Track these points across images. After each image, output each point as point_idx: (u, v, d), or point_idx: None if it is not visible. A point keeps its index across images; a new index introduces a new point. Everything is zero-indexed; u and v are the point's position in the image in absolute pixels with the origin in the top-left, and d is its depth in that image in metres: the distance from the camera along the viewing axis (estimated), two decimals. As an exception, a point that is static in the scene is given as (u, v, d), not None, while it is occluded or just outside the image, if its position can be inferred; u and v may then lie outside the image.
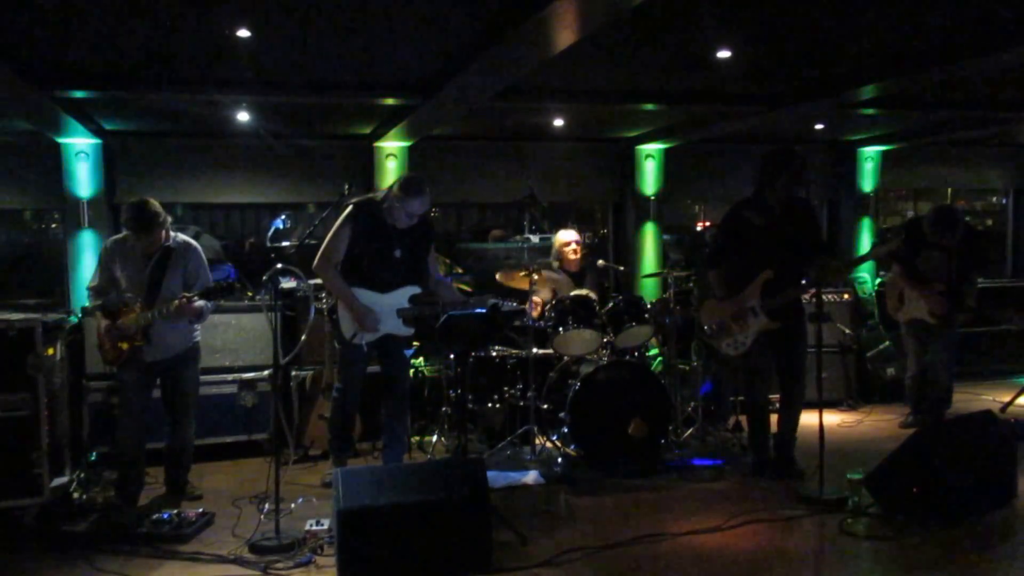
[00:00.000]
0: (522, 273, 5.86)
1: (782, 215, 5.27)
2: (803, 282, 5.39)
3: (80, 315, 5.96)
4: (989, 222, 11.76)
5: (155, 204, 4.84)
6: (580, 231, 6.71)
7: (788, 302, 5.26)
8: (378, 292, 5.03)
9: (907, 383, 6.83)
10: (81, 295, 6.76)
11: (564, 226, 6.71)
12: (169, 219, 4.99)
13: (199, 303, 4.82)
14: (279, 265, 4.65)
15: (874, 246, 5.84)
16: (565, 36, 4.18)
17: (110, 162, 7.06)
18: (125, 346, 4.87)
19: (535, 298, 5.96)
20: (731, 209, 5.48)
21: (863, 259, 6.42)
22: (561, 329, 5.73)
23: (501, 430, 6.04)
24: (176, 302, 4.71)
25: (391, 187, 4.98)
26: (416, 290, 5.12)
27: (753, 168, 5.39)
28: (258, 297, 6.37)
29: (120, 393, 5.06)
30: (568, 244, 6.44)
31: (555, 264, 6.48)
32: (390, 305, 5.05)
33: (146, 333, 4.84)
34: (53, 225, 9.26)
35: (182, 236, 5.10)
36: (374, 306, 5.02)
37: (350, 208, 5.00)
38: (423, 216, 5.07)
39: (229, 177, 7.48)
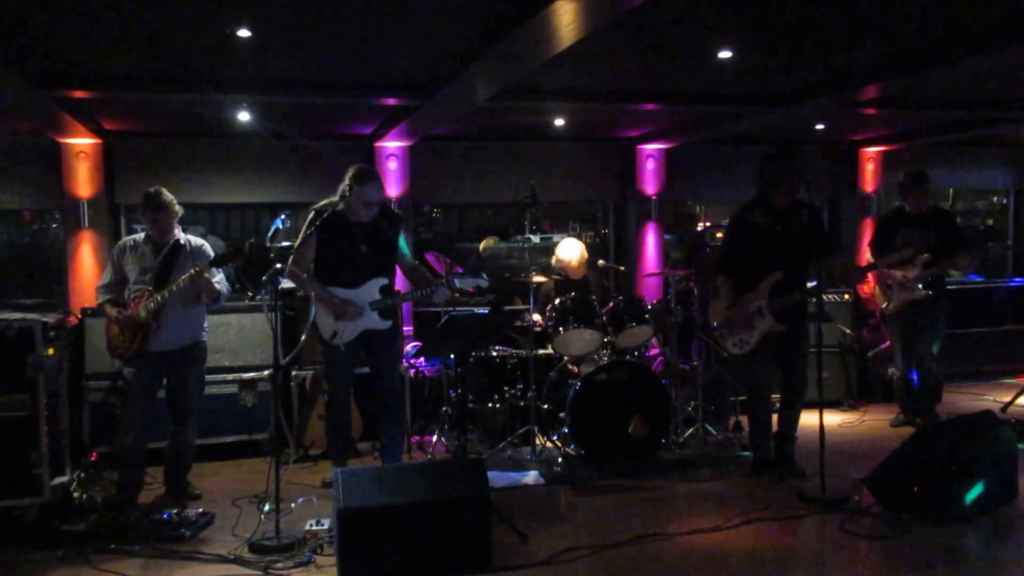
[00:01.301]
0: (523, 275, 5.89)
1: (787, 216, 5.26)
2: (810, 285, 5.40)
3: (80, 315, 5.97)
4: (990, 222, 11.75)
5: (169, 195, 5.05)
6: (580, 232, 6.71)
7: (794, 303, 5.27)
8: (349, 288, 5.07)
9: (895, 383, 6.84)
10: (81, 295, 6.76)
11: (566, 228, 6.71)
12: (180, 211, 5.10)
13: (216, 279, 4.96)
14: (279, 265, 4.66)
15: (881, 254, 5.95)
16: (566, 36, 4.17)
17: (110, 162, 7.06)
18: (132, 336, 4.92)
19: (536, 317, 5.99)
20: (735, 213, 5.49)
21: (874, 266, 6.43)
22: (561, 329, 5.72)
23: (501, 430, 6.05)
24: (190, 272, 4.81)
25: (344, 184, 5.01)
26: (385, 281, 5.16)
27: (754, 168, 5.38)
28: (258, 297, 6.38)
29: (125, 392, 5.08)
30: (574, 267, 6.43)
31: (554, 262, 6.50)
32: (362, 299, 5.08)
33: (157, 316, 4.90)
34: (54, 225, 9.25)
35: (194, 237, 5.22)
36: (350, 302, 5.06)
37: (311, 214, 5.08)
38: (388, 209, 5.19)
39: (229, 177, 7.47)
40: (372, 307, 5.09)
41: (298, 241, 5.12)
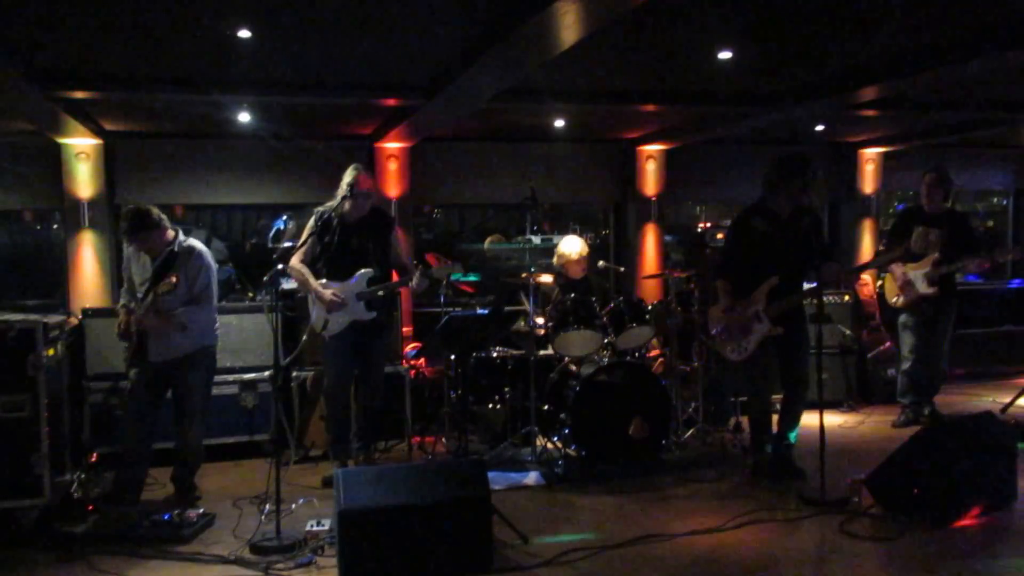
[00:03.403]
0: (524, 276, 5.90)
1: (788, 221, 5.26)
2: (805, 286, 5.41)
3: (81, 316, 5.97)
4: (990, 223, 11.74)
5: (145, 208, 4.95)
6: (581, 233, 6.71)
7: (792, 307, 5.27)
8: (339, 281, 5.31)
9: (900, 379, 6.84)
10: (81, 296, 6.77)
11: (566, 229, 6.72)
12: (165, 221, 5.02)
13: (177, 315, 4.91)
14: (280, 266, 4.66)
15: (878, 254, 5.93)
16: (567, 36, 4.18)
17: (110, 163, 7.06)
18: (130, 343, 5.01)
19: (538, 319, 6.01)
20: (737, 217, 5.49)
21: (867, 266, 6.45)
22: (562, 330, 5.72)
23: (502, 431, 6.05)
24: (142, 315, 4.86)
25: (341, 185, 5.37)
26: (373, 273, 5.36)
27: (754, 169, 5.38)
28: (259, 298, 6.38)
29: (127, 393, 5.13)
30: (573, 261, 6.42)
31: (556, 266, 6.52)
32: (351, 290, 5.29)
33: (140, 332, 4.93)
34: (54, 226, 9.25)
35: (190, 241, 5.12)
36: (339, 294, 5.27)
37: (314, 215, 5.43)
38: (382, 210, 5.62)
39: (230, 178, 7.47)
40: (358, 297, 5.28)
41: (301, 240, 5.41)
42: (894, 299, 6.69)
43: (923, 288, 6.45)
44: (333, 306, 5.26)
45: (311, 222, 5.41)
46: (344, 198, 5.27)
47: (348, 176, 5.32)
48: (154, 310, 4.85)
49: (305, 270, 5.34)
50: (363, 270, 5.32)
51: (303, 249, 5.35)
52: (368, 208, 5.41)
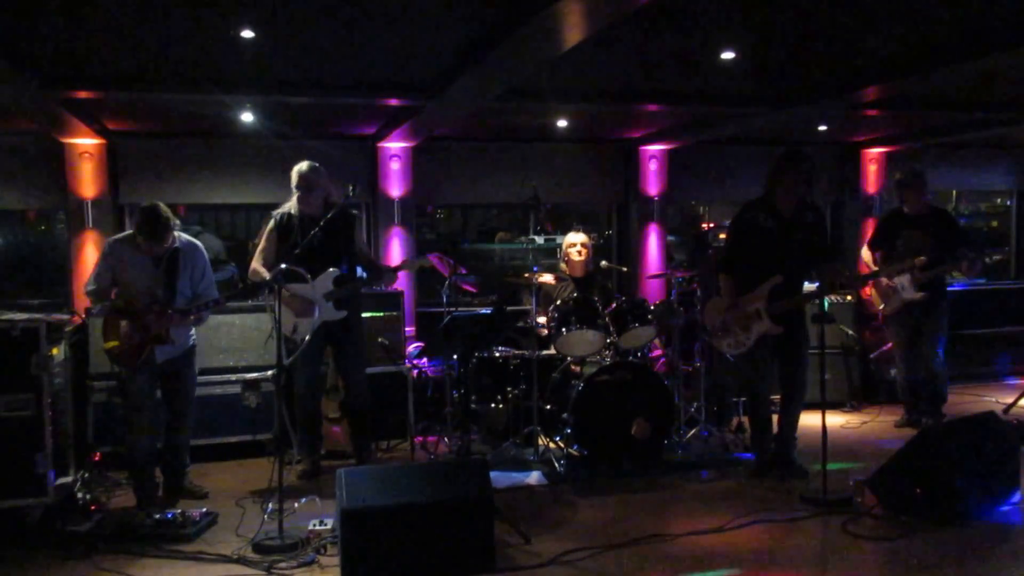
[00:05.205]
0: (527, 275, 5.91)
1: (791, 218, 5.26)
2: (808, 286, 5.40)
3: (85, 315, 5.98)
4: (994, 223, 11.73)
5: (166, 209, 4.91)
6: (585, 232, 6.74)
7: (794, 308, 5.28)
8: (305, 282, 5.21)
9: (899, 384, 6.83)
10: (85, 296, 6.76)
11: (569, 228, 6.75)
12: (177, 222, 5.05)
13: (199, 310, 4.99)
14: (283, 266, 4.67)
15: (889, 265, 6.00)
16: (569, 36, 4.18)
17: (114, 162, 7.07)
18: (141, 347, 4.88)
19: (540, 319, 6.01)
20: (740, 211, 5.49)
21: (876, 275, 6.41)
22: (564, 330, 5.73)
23: (504, 431, 6.05)
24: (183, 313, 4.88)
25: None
26: (339, 272, 5.35)
27: (756, 169, 5.39)
28: (261, 298, 6.39)
29: (133, 398, 5.00)
30: (573, 245, 6.47)
31: (562, 266, 6.54)
32: (317, 291, 5.26)
33: (168, 331, 4.91)
34: (58, 225, 9.27)
35: (186, 236, 5.16)
36: (306, 296, 5.26)
37: (271, 219, 5.46)
38: (342, 206, 5.40)
39: (233, 178, 7.48)
40: (326, 298, 5.27)
41: (260, 242, 5.42)
42: (881, 307, 6.66)
43: (909, 294, 6.37)
44: (302, 310, 5.24)
45: (270, 224, 5.41)
46: (298, 195, 5.33)
47: (295, 171, 5.38)
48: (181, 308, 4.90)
49: (267, 274, 5.23)
50: (330, 269, 5.30)
51: (262, 252, 5.28)
52: (320, 204, 5.38)
